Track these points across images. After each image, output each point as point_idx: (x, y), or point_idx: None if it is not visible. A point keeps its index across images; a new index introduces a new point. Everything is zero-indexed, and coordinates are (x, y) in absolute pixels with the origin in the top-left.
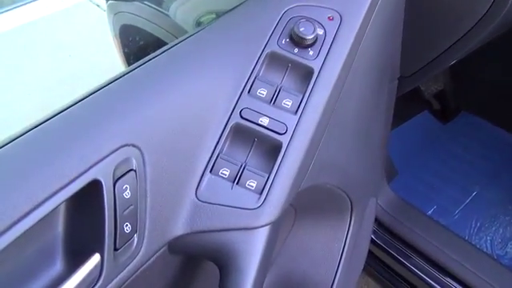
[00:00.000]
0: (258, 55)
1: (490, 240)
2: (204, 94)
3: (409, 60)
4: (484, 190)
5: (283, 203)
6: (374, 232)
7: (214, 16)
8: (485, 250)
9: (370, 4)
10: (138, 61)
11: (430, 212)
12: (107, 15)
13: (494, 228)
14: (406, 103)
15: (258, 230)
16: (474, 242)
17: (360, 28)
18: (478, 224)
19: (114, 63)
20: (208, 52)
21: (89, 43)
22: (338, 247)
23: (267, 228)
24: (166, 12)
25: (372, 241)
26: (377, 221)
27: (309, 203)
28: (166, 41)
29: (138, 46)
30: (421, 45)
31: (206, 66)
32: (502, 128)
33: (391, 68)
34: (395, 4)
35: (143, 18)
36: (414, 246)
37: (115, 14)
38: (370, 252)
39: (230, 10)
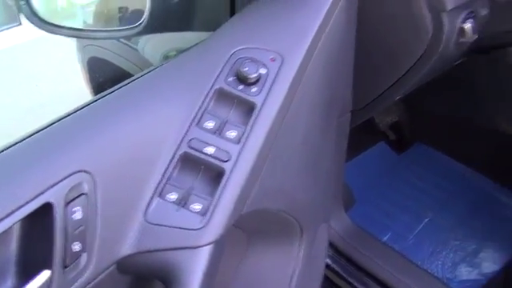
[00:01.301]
0: (207, 91)
1: (441, 264)
2: (156, 125)
3: (359, 94)
4: (436, 217)
5: (225, 224)
6: (331, 258)
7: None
8: (436, 273)
9: (310, 46)
10: (103, 91)
11: (385, 238)
12: (76, 47)
13: (444, 252)
14: (363, 135)
15: (201, 248)
16: (426, 267)
17: (300, 67)
18: (431, 249)
19: (80, 93)
20: (163, 87)
21: (57, 73)
22: (289, 272)
23: (210, 247)
24: (134, 46)
25: (329, 267)
26: (333, 247)
27: (259, 227)
28: (132, 74)
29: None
30: (367, 81)
31: (160, 100)
32: (453, 158)
33: (342, 102)
34: (340, 43)
35: (112, 51)
36: (369, 271)
37: (85, 46)
38: (326, 278)
39: (187, 49)
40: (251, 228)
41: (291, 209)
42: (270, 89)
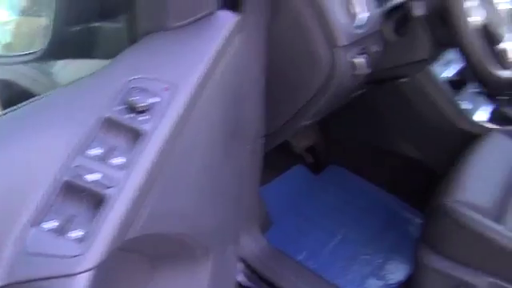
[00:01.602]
0: (96, 119)
1: (351, 278)
2: (36, 154)
3: (270, 120)
4: (349, 233)
5: (105, 250)
6: (247, 278)
7: None
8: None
9: (204, 75)
10: None
11: (301, 256)
12: None
13: (355, 267)
14: (281, 158)
15: (78, 276)
16: (337, 282)
17: (193, 96)
18: (343, 264)
19: None
20: (50, 114)
21: None
22: None
23: (88, 274)
24: (48, 70)
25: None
26: (249, 268)
27: (161, 251)
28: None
29: (11, 100)
30: (276, 108)
31: (45, 128)
32: (364, 179)
33: (252, 126)
34: (242, 72)
35: (22, 73)
36: None
37: None
38: None
39: (82, 77)
40: (151, 252)
41: (193, 232)
42: (160, 117)
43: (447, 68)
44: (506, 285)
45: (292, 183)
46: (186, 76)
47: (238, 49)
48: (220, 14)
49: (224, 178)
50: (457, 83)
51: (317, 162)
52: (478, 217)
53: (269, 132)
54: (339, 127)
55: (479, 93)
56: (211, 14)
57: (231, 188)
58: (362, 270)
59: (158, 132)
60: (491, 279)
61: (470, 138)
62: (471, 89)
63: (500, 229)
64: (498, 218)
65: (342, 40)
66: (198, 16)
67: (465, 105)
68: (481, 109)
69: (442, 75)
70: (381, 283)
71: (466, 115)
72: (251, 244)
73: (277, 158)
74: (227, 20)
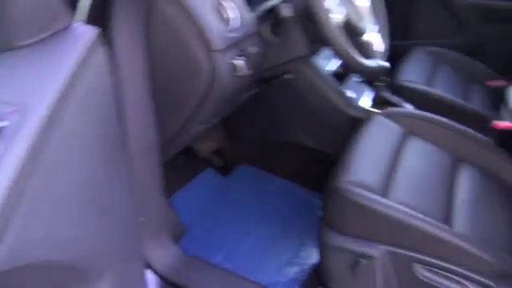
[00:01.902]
0: None
1: (269, 270)
2: None
3: (163, 129)
4: (262, 228)
5: None
6: None
7: None
8: (266, 281)
9: (62, 94)
10: None
11: (218, 258)
12: None
13: (270, 259)
14: (190, 164)
15: None
16: (254, 277)
17: (50, 115)
18: (259, 259)
19: None
20: None
21: None
22: None
23: None
24: None
25: None
26: (164, 279)
27: (46, 284)
28: None
29: None
30: (166, 117)
31: None
32: (273, 174)
33: (140, 139)
34: (103, 87)
35: None
36: None
37: None
38: None
39: None
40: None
41: (76, 256)
42: (11, 140)
43: (330, 61)
44: (398, 250)
45: (202, 188)
46: (39, 95)
47: (103, 62)
48: (76, 28)
49: (111, 193)
50: (340, 75)
51: (225, 163)
52: (367, 194)
53: (165, 140)
54: (242, 127)
55: (361, 81)
56: (66, 29)
57: (123, 203)
58: (278, 260)
59: (10, 157)
60: (385, 247)
61: (357, 122)
62: (353, 79)
63: (386, 202)
64: (385, 192)
65: (218, 44)
66: (51, 32)
67: (350, 93)
68: (364, 96)
69: (327, 68)
70: (297, 269)
71: (351, 102)
72: (163, 255)
73: (185, 165)
74: (85, 34)
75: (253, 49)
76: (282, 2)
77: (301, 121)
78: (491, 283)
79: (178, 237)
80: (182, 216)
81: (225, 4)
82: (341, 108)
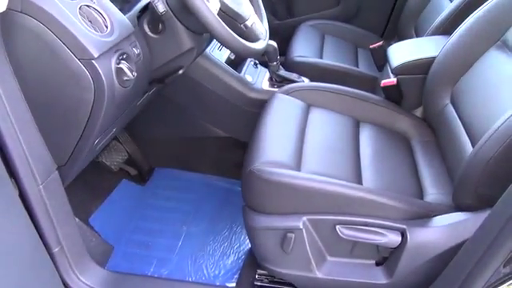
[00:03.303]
0: None
1: (205, 267)
2: None
3: (57, 151)
4: (190, 228)
5: None
6: None
7: None
8: (204, 278)
9: None
10: None
11: (151, 268)
12: None
13: (205, 256)
14: (104, 181)
15: None
16: (193, 277)
17: None
18: (193, 258)
19: None
20: None
21: None
22: None
23: None
24: None
25: None
26: None
27: None
28: None
29: None
30: (58, 138)
31: None
32: (191, 171)
33: (31, 167)
34: None
35: None
36: None
37: None
38: None
39: None
40: None
41: None
42: None
43: (224, 49)
44: (319, 217)
45: (121, 201)
46: None
47: None
48: None
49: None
50: (236, 61)
51: (140, 171)
52: (281, 171)
53: (63, 162)
54: (150, 130)
55: (256, 64)
56: None
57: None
58: (213, 255)
59: None
60: (308, 217)
61: (260, 104)
62: (249, 62)
63: (300, 175)
64: (298, 166)
65: (94, 52)
66: None
67: (248, 77)
68: (262, 77)
69: (223, 56)
70: (233, 259)
71: (251, 85)
72: (89, 280)
73: (99, 182)
74: None
75: (134, 50)
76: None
77: (207, 113)
78: (403, 226)
79: (104, 257)
80: (105, 235)
81: (94, 9)
82: (242, 92)
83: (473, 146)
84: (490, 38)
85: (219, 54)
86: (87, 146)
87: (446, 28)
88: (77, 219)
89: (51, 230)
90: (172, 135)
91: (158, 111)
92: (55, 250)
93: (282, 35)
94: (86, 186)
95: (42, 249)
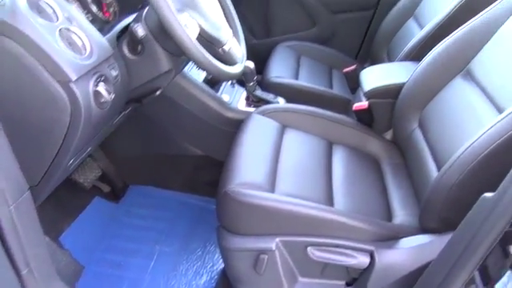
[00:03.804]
0: None
1: (178, 287)
2: None
3: (30, 171)
4: (164, 247)
5: None
6: None
7: None
8: None
9: None
10: None
11: None
12: None
13: (177, 276)
14: (76, 198)
15: None
16: None
17: None
18: (166, 278)
19: None
20: None
21: None
22: None
23: None
24: None
25: None
26: None
27: None
28: None
29: None
30: (32, 157)
31: None
32: (166, 189)
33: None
34: None
35: None
36: None
37: None
38: None
39: None
40: None
41: None
42: None
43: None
44: (291, 238)
45: (93, 220)
46: None
47: None
48: None
49: None
50: (213, 81)
51: (113, 188)
52: (255, 193)
53: (36, 182)
54: (126, 147)
55: (233, 84)
56: None
57: None
58: (186, 274)
59: None
60: (280, 239)
61: (237, 123)
62: (226, 82)
63: (274, 196)
64: (272, 187)
65: (72, 74)
66: None
67: (225, 97)
68: (239, 97)
69: (200, 76)
70: (206, 279)
71: (228, 105)
72: None
73: (71, 199)
74: None
75: (112, 72)
76: (134, 22)
77: (184, 131)
78: (372, 248)
79: (74, 277)
80: (76, 254)
81: (73, 32)
82: (219, 112)
83: (438, 170)
84: (455, 67)
85: (197, 73)
86: (61, 166)
87: (416, 54)
88: (47, 238)
89: (20, 251)
90: (147, 152)
91: (134, 128)
92: (24, 271)
93: (260, 54)
94: (58, 203)
95: (11, 271)
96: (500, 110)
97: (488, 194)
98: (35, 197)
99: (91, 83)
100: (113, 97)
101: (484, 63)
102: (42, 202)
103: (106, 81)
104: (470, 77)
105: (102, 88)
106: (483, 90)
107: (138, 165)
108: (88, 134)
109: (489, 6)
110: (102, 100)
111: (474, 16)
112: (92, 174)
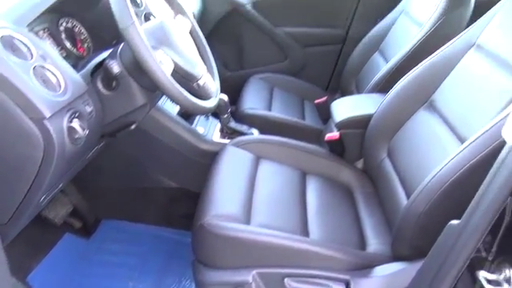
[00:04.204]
0: None
1: None
2: None
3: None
4: (137, 284)
5: None
6: None
7: None
8: None
9: None
10: None
11: None
12: None
13: None
14: (46, 234)
15: None
16: None
17: None
18: None
19: None
20: None
21: None
22: None
23: None
24: None
25: None
26: None
27: None
28: None
29: None
30: (3, 194)
31: None
32: (140, 223)
33: None
34: None
35: None
36: None
37: None
38: None
39: None
40: None
41: None
42: None
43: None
44: (268, 270)
45: (63, 258)
46: None
47: None
48: None
49: None
50: (187, 113)
51: (85, 224)
52: (231, 225)
53: (5, 220)
54: (99, 180)
55: (208, 116)
56: None
57: None
58: None
59: None
60: (257, 271)
61: (211, 155)
62: (200, 116)
63: (249, 228)
64: (247, 219)
65: (46, 112)
66: None
67: (199, 129)
68: (213, 129)
69: (175, 108)
70: None
71: (202, 137)
72: None
73: (41, 236)
74: None
75: (86, 108)
76: (109, 59)
77: (159, 164)
78: (347, 277)
79: None
80: None
81: (48, 69)
82: (194, 144)
83: (408, 198)
84: (419, 99)
85: (171, 106)
86: (32, 204)
87: (383, 86)
88: (13, 279)
89: None
90: (121, 186)
91: (107, 161)
92: None
93: (233, 86)
94: (27, 240)
95: None
96: (462, 140)
97: (454, 222)
98: (4, 236)
99: (65, 120)
100: (87, 133)
101: (445, 95)
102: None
103: (80, 117)
104: (433, 108)
105: (76, 124)
106: (446, 121)
107: (111, 198)
108: (61, 171)
109: (448, 41)
110: (76, 136)
111: (435, 50)
112: (63, 209)
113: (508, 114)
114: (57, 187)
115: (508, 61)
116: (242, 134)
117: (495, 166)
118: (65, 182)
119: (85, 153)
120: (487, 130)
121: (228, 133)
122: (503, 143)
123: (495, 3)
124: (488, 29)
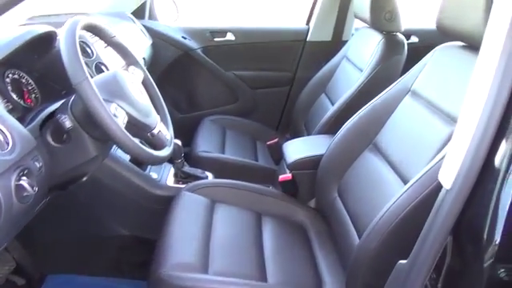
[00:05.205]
0: None
1: None
2: None
3: None
4: None
5: None
6: None
7: None
8: None
9: None
10: None
11: None
12: None
13: None
14: None
15: None
16: None
17: None
18: None
19: None
20: None
21: None
22: None
23: None
24: None
25: None
26: None
27: None
28: None
29: None
30: None
31: None
32: (90, 275)
33: None
34: None
35: None
36: None
37: None
38: None
39: None
40: None
41: None
42: None
43: None
44: None
45: None
46: None
47: None
48: None
49: None
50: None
51: (29, 281)
52: (188, 275)
53: None
54: (44, 233)
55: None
56: None
57: None
58: None
59: None
60: None
61: (166, 201)
62: None
63: (206, 277)
64: (205, 266)
65: None
66: None
67: (153, 175)
68: (167, 174)
69: (127, 156)
70: None
71: (156, 183)
72: None
73: None
74: None
75: (36, 164)
76: (60, 114)
77: (109, 211)
78: None
79: None
80: None
81: None
82: (147, 190)
83: (359, 237)
84: (363, 141)
85: (123, 152)
86: None
87: (330, 128)
88: None
89: None
90: (68, 237)
91: (53, 212)
92: None
93: (185, 128)
94: None
95: None
96: (404, 181)
97: (402, 261)
98: None
99: (13, 178)
100: (36, 190)
101: (387, 138)
102: None
103: (28, 174)
104: (377, 150)
105: (24, 182)
106: (389, 162)
107: (57, 252)
108: (7, 230)
109: (388, 85)
110: (25, 194)
111: (376, 94)
112: (5, 267)
113: (443, 157)
114: (0, 246)
115: (440, 106)
116: (196, 178)
117: (434, 207)
118: (9, 240)
119: (33, 209)
120: (426, 172)
121: (182, 177)
122: (441, 185)
123: (426, 50)
124: (421, 76)
